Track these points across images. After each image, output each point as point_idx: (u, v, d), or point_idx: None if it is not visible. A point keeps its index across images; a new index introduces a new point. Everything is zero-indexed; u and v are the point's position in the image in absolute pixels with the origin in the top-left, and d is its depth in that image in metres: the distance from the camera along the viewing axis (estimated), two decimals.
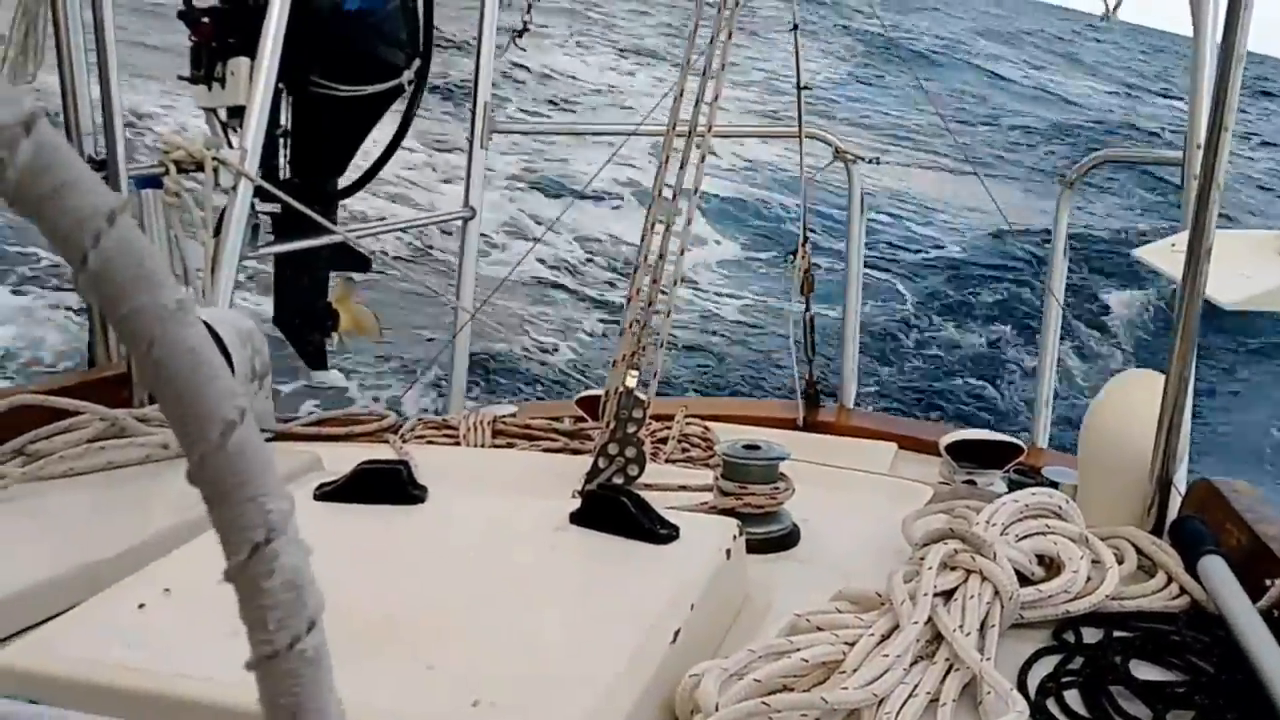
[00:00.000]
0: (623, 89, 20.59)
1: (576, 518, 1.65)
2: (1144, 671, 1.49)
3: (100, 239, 0.51)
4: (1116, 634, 1.58)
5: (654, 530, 1.61)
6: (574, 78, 20.87)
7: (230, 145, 3.02)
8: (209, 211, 2.87)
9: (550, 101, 18.82)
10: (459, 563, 1.57)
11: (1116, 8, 3.57)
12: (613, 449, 2.03)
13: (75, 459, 2.07)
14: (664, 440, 2.57)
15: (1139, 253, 2.62)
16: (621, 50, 24.26)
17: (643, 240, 2.16)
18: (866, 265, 4.27)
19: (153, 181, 2.83)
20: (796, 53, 4.06)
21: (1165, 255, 2.32)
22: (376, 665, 1.26)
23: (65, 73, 2.64)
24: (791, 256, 3.90)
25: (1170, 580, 1.72)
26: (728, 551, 1.61)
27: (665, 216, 2.13)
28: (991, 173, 17.03)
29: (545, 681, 1.27)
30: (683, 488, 2.05)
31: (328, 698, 0.59)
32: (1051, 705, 1.42)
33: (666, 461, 2.42)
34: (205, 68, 3.19)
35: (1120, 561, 1.73)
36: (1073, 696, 1.44)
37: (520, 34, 4.22)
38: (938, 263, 14.16)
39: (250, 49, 3.03)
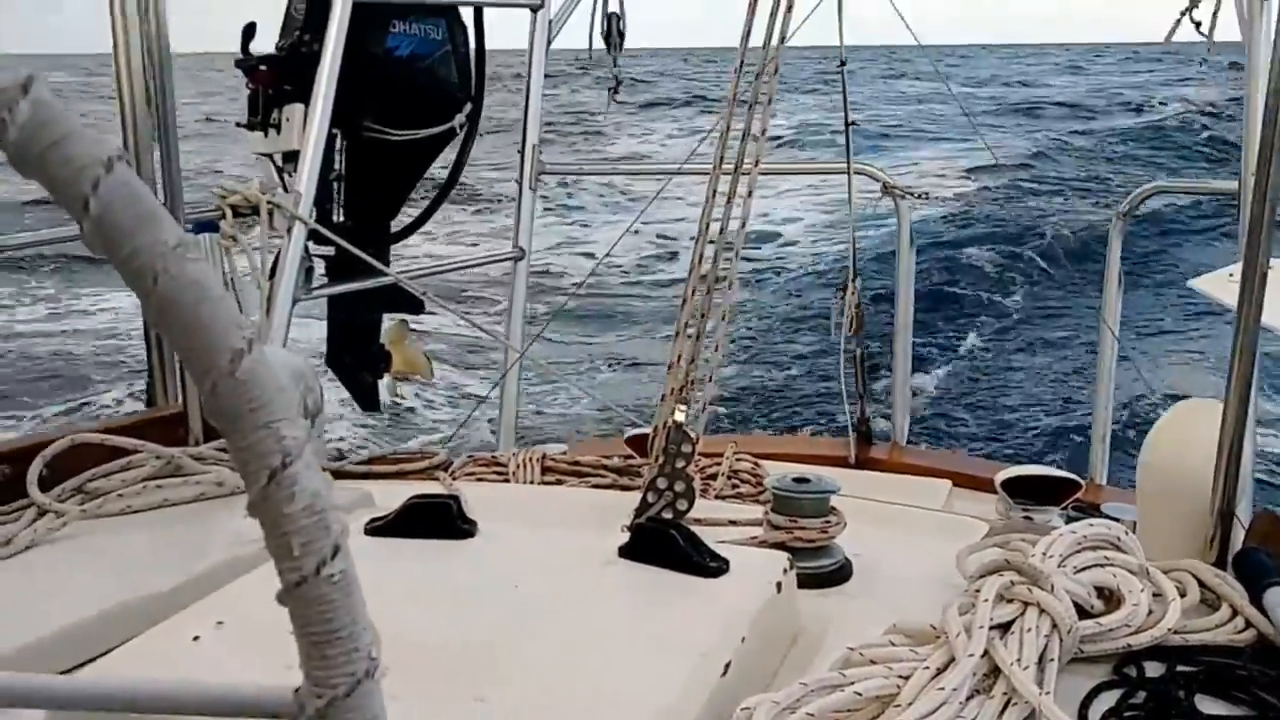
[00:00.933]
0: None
1: (626, 551, 1.65)
2: (1209, 706, 1.45)
3: (99, 185, 0.52)
4: (1180, 668, 1.54)
5: (704, 563, 1.59)
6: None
7: (285, 190, 3.07)
8: (264, 254, 2.92)
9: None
10: (509, 595, 1.57)
11: (1211, 34, 3.43)
12: (661, 483, 2.02)
13: (132, 497, 2.11)
14: (713, 476, 2.56)
15: (1195, 283, 2.58)
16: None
17: (690, 274, 2.16)
18: None
19: (209, 225, 2.89)
20: (844, 90, 4.06)
21: (1223, 285, 2.29)
22: (427, 697, 1.25)
23: (126, 119, 2.70)
24: (840, 293, 3.87)
25: (1235, 613, 1.67)
26: (778, 584, 1.59)
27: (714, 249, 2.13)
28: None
29: (596, 713, 1.26)
30: (732, 523, 2.04)
31: (361, 623, 0.58)
32: None
33: (716, 498, 2.41)
34: (261, 114, 3.25)
35: (1183, 594, 1.68)
36: None
37: (615, 89, 4.32)
38: None
39: (305, 95, 3.08)
